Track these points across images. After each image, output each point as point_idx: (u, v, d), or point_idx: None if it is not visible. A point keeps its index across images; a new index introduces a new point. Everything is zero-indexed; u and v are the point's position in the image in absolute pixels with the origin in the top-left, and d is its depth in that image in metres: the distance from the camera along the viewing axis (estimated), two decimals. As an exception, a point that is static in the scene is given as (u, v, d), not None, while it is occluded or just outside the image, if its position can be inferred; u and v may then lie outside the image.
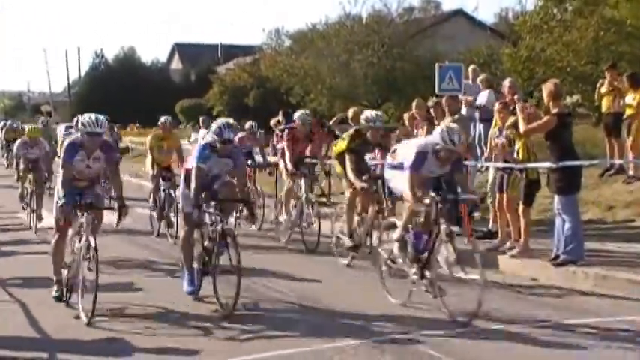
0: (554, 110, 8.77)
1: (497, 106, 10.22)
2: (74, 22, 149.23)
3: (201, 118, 20.25)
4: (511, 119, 9.55)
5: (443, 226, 6.98)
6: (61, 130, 20.45)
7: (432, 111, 11.45)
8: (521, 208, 9.31)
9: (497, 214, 9.89)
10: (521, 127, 9.02)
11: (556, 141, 8.77)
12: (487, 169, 10.84)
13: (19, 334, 6.65)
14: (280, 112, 16.96)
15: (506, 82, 11.28)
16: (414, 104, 12.17)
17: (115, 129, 34.00)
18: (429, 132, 10.12)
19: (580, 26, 18.64)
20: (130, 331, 6.68)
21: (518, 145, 9.42)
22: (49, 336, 6.62)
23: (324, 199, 15.62)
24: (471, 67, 14.83)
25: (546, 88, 9.00)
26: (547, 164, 8.92)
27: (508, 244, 9.53)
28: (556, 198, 8.85)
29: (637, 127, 11.62)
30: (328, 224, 10.36)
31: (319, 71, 28.57)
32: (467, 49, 26.67)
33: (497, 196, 9.73)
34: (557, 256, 8.69)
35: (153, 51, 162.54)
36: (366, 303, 7.57)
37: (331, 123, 14.74)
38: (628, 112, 11.82)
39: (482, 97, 13.56)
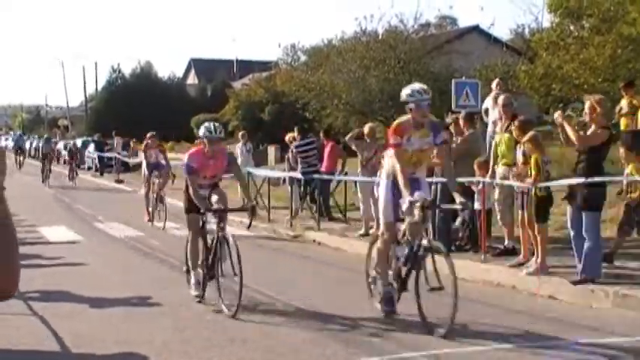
0: (603, 124, 8.65)
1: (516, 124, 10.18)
2: (92, 37, 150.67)
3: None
4: (527, 135, 9.50)
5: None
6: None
7: (450, 128, 11.43)
8: (536, 226, 9.27)
9: (520, 232, 9.86)
10: (575, 138, 8.53)
11: (596, 155, 8.59)
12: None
13: (39, 348, 6.68)
14: (296, 128, 17.04)
15: (500, 101, 11.22)
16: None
17: (131, 144, 34.26)
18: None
19: (597, 44, 18.57)
20: (145, 345, 6.69)
21: (530, 161, 9.37)
22: (68, 349, 6.65)
23: (339, 215, 15.68)
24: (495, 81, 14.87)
25: (597, 102, 8.71)
26: (575, 180, 8.72)
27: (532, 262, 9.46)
28: (569, 213, 8.78)
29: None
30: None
31: (335, 87, 28.61)
32: (483, 66, 26.66)
33: (520, 213, 9.69)
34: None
35: (169, 66, 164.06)
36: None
37: (347, 138, 14.74)
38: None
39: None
